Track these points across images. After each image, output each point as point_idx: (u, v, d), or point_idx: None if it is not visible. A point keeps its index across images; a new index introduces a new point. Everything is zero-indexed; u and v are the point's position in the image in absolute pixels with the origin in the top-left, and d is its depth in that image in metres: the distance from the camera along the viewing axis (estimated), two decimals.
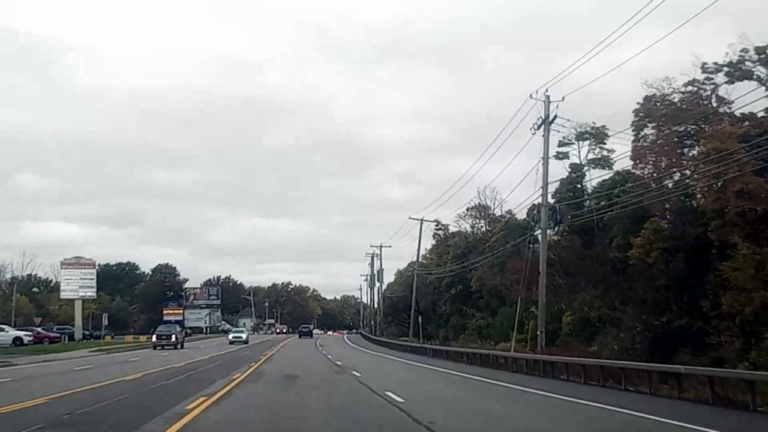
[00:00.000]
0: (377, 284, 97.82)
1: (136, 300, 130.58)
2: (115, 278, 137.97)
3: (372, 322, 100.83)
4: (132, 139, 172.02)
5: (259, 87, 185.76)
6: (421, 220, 71.83)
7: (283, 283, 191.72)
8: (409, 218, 73.75)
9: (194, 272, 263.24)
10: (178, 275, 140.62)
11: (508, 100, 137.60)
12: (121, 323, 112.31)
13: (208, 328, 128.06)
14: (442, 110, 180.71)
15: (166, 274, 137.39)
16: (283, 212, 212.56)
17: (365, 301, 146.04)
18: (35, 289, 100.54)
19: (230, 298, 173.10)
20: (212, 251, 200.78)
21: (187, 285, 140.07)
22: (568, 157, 49.53)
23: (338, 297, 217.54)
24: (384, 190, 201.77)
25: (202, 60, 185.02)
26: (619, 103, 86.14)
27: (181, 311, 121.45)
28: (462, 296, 63.22)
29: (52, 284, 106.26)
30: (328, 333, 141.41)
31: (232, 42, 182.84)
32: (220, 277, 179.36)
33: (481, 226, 66.92)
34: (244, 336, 75.90)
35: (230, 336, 77.25)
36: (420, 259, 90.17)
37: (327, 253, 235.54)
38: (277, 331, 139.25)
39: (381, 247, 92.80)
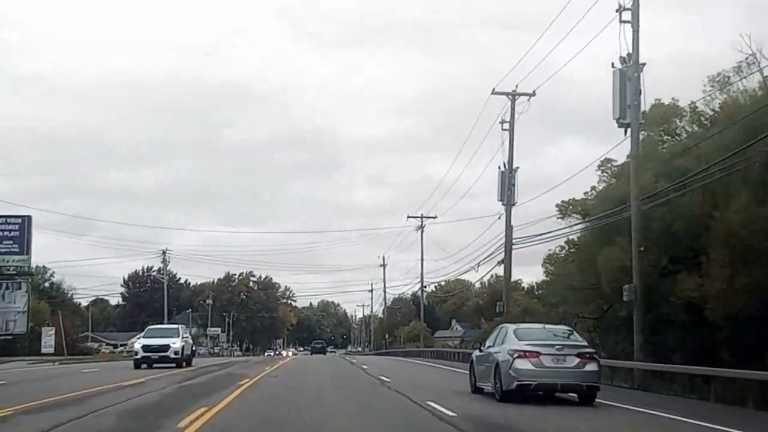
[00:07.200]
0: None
1: None
2: None
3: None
4: (85, 133, 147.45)
5: (222, 76, 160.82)
6: None
7: (241, 275, 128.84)
8: None
9: None
10: None
11: (484, 95, 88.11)
12: None
13: None
14: (421, 103, 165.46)
15: None
16: (246, 217, 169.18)
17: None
18: None
19: (170, 301, 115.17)
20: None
21: None
22: None
23: (314, 303, 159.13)
24: (355, 192, 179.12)
25: (169, 47, 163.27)
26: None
27: None
28: None
29: None
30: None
31: (195, 28, 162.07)
32: (150, 268, 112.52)
33: None
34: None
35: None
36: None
37: (294, 262, 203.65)
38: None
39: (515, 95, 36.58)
